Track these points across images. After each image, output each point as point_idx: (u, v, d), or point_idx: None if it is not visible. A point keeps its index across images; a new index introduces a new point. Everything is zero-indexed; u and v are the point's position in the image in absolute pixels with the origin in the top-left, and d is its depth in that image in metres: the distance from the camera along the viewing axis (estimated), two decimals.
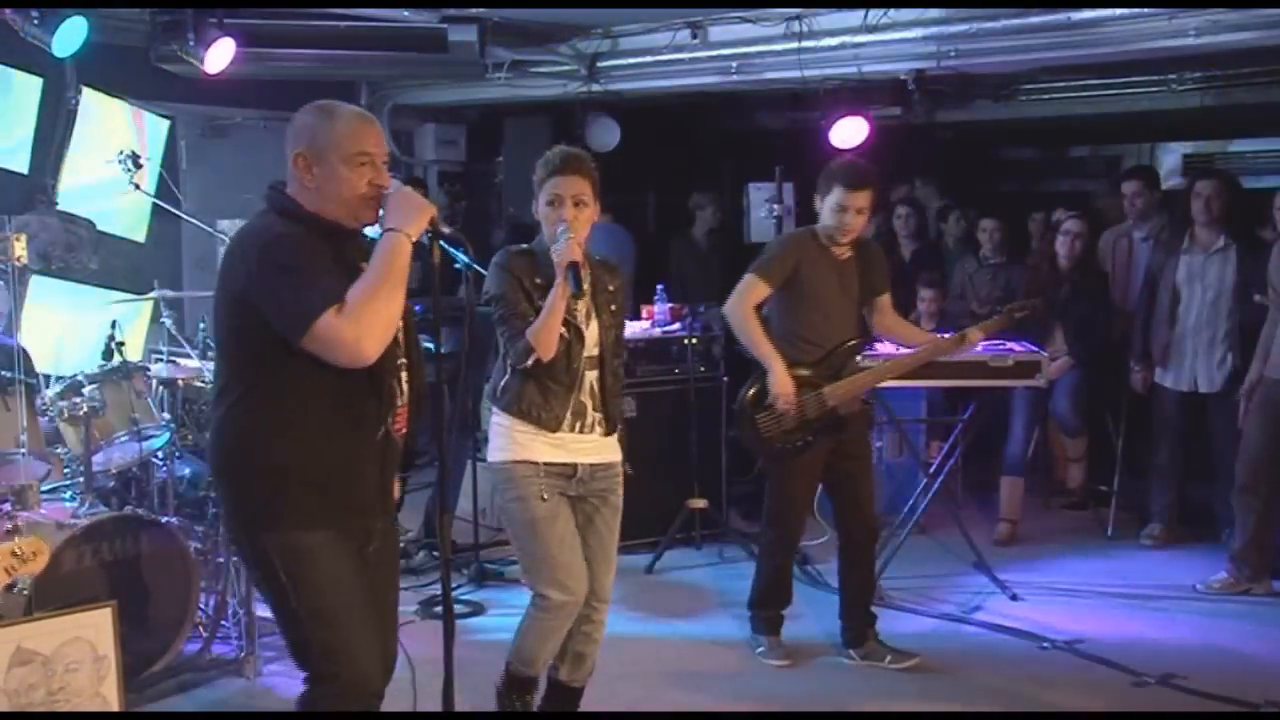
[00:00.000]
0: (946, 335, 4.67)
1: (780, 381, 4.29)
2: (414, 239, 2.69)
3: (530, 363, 3.43)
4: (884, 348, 5.08)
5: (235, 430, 2.77)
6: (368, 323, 2.59)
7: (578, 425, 3.53)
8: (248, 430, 2.75)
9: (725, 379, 5.98)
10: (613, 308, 3.62)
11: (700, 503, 5.92)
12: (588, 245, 3.56)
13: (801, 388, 4.31)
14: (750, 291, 4.35)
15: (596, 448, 3.58)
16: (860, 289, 4.45)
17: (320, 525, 2.72)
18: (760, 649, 4.63)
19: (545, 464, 3.50)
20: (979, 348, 4.85)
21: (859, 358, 4.50)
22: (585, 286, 3.45)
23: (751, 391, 4.46)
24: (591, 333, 3.55)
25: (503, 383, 3.56)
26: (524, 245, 3.58)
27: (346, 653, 2.74)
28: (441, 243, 2.82)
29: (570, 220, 3.42)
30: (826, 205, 4.30)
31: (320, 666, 2.75)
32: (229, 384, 2.79)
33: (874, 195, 4.32)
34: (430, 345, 3.05)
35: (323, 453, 2.72)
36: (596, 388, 3.56)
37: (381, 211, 2.73)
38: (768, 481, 4.62)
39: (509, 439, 3.53)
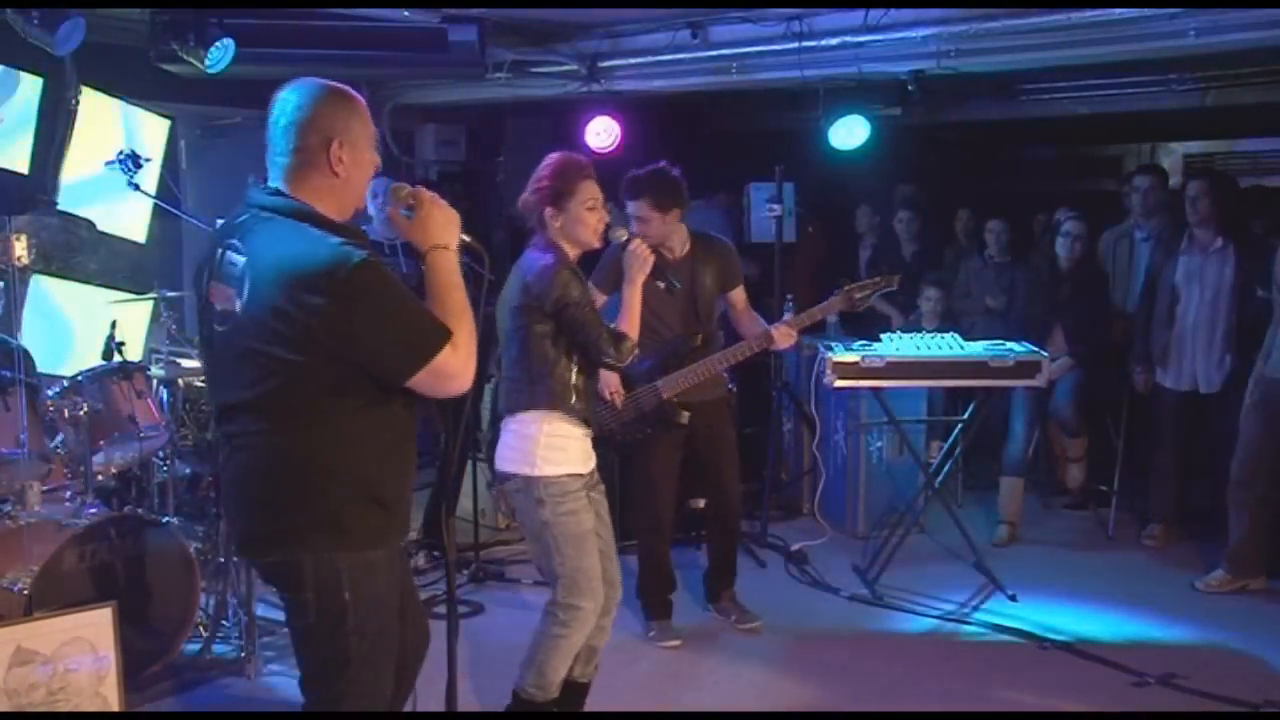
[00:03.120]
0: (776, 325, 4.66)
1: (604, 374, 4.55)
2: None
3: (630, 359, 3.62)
4: (885, 345, 5.22)
5: (310, 454, 2.58)
6: (468, 350, 2.57)
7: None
8: (320, 454, 2.58)
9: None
10: None
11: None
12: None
13: (637, 382, 4.57)
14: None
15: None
16: (697, 286, 4.65)
17: (383, 543, 2.70)
18: (651, 633, 4.81)
19: (586, 474, 3.61)
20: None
21: (694, 349, 4.63)
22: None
23: None
24: None
25: (548, 385, 3.55)
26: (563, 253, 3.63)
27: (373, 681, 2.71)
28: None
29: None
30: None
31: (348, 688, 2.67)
32: (295, 408, 2.55)
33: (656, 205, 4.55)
34: None
35: (394, 474, 2.70)
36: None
37: (406, 215, 2.68)
38: (633, 475, 4.85)
39: (552, 448, 3.53)
